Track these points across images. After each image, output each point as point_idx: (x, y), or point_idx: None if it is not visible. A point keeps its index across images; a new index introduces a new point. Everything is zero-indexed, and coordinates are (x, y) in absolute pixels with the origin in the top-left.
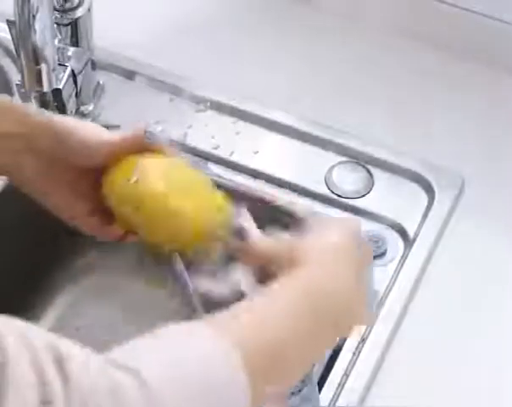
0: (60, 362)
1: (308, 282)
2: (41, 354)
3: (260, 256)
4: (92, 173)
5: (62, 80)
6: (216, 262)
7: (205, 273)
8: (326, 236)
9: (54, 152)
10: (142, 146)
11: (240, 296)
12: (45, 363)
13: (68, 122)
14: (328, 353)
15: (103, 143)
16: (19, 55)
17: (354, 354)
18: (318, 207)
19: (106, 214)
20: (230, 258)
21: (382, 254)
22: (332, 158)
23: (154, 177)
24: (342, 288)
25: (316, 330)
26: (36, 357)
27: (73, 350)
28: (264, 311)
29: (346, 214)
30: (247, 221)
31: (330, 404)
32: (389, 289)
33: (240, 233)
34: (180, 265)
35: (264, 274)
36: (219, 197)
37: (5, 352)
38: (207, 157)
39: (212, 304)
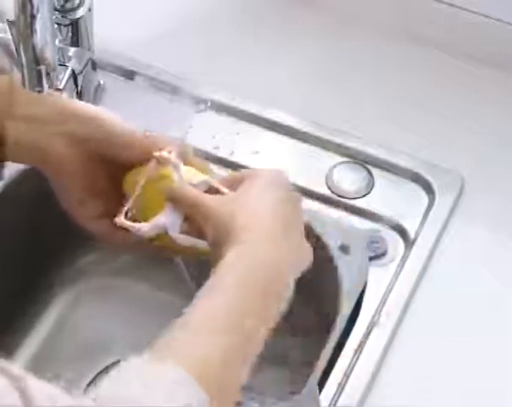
0: None
1: (253, 258)
2: None
3: (196, 209)
4: (111, 170)
5: (62, 81)
6: None
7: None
8: (260, 195)
9: (88, 135)
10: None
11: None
12: None
13: (103, 111)
14: (328, 354)
15: (136, 138)
16: (19, 55)
17: (355, 354)
18: (318, 207)
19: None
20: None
21: (382, 255)
22: (332, 158)
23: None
24: (284, 253)
25: (264, 304)
26: None
27: None
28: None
29: (346, 214)
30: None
31: (330, 404)
32: (389, 290)
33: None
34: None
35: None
36: None
37: None
38: (207, 157)
39: None
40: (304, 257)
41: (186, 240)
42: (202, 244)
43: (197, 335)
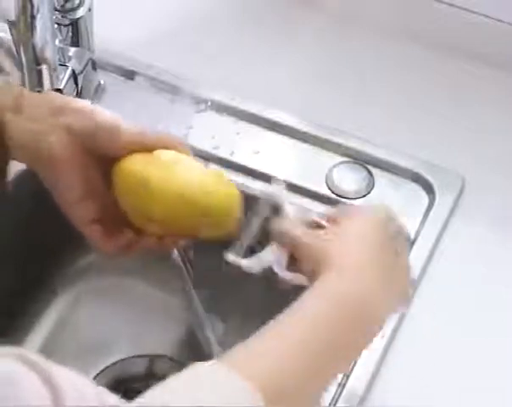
0: None
1: (339, 292)
2: None
3: (295, 245)
4: (104, 167)
5: (63, 81)
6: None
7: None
8: (359, 236)
9: (81, 129)
10: (159, 145)
11: (270, 273)
12: None
13: (99, 108)
14: None
15: (126, 131)
16: (19, 55)
17: None
18: (318, 207)
19: (109, 224)
20: (267, 238)
21: None
22: (332, 158)
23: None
24: (376, 291)
25: (347, 340)
26: None
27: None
28: (292, 334)
29: None
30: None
31: (330, 404)
32: None
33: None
34: (179, 258)
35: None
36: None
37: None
38: (207, 157)
39: (213, 305)
40: (399, 291)
41: (294, 278)
42: (307, 281)
43: (266, 353)
